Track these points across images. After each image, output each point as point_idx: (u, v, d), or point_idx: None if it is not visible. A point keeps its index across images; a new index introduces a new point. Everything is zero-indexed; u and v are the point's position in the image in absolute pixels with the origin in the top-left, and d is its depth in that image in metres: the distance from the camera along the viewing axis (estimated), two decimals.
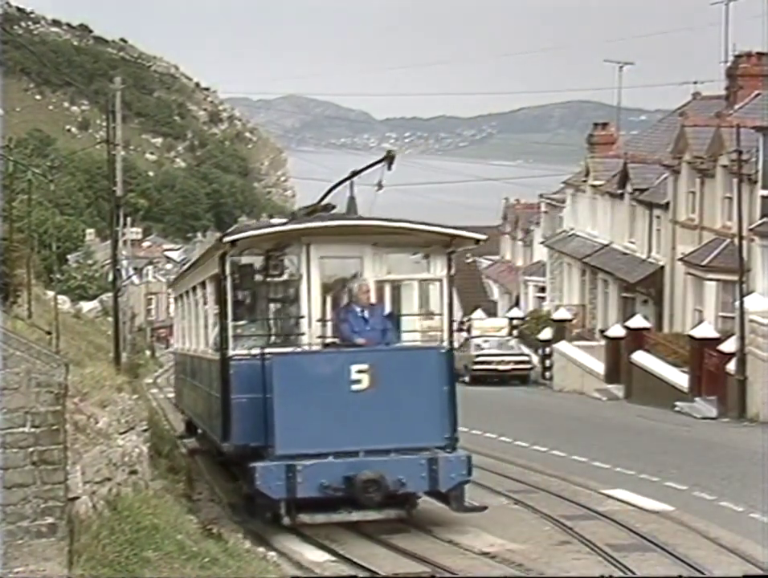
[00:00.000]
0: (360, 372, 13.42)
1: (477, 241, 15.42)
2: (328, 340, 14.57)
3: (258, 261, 14.74)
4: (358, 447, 13.47)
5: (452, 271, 15.05)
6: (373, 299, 14.60)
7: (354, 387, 13.39)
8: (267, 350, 13.84)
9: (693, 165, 39.56)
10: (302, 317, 14.61)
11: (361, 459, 13.39)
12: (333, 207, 15.72)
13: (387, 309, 15.06)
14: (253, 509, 13.94)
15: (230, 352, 14.29)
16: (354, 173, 15.74)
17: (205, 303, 17.32)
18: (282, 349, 14.20)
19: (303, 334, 14.56)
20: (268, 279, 14.79)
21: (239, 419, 13.99)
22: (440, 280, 15.00)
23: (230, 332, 14.39)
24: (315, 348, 14.38)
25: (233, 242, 14.22)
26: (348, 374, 13.40)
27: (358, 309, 14.35)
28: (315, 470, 13.23)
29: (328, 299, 15.07)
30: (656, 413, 30.50)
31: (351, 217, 15.33)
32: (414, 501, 14.32)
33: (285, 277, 14.79)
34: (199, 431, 20.78)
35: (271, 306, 15.27)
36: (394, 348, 14.36)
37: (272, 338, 14.79)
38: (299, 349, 14.38)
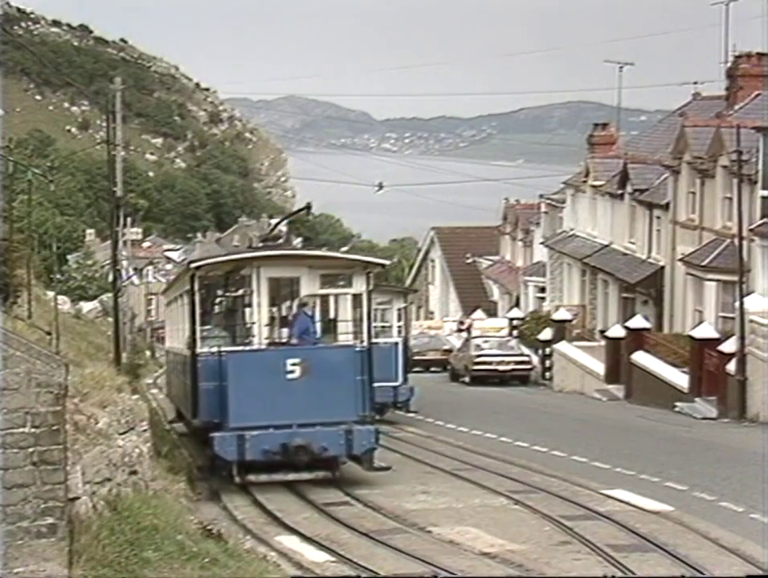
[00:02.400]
0: (294, 364, 17.27)
1: (384, 266, 20.87)
2: (272, 341, 18.75)
3: (220, 280, 18.97)
4: (292, 421, 17.32)
5: (371, 287, 19.02)
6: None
7: (289, 376, 17.26)
8: (224, 348, 17.83)
9: (693, 166, 39.49)
10: (253, 323, 18.47)
11: (293, 430, 17.25)
12: (280, 237, 20.27)
13: (323, 316, 19.39)
14: (213, 469, 17.93)
15: (198, 350, 18.21)
16: (290, 214, 23.21)
17: (182, 311, 21.04)
18: (235, 348, 18.09)
19: (253, 336, 18.46)
20: (227, 294, 19.22)
21: (205, 401, 17.94)
22: (361, 294, 18.82)
23: (198, 335, 18.30)
24: (262, 346, 18.35)
25: (198, 267, 18.42)
26: (284, 366, 17.27)
27: (309, 312, 18.54)
28: (259, 438, 17.12)
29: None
30: (656, 413, 30.47)
31: (290, 247, 20.76)
32: (338, 465, 17.84)
33: (240, 292, 18.90)
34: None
35: (230, 314, 19.29)
36: (319, 346, 18.46)
37: (230, 339, 18.56)
38: (248, 348, 18.24)
